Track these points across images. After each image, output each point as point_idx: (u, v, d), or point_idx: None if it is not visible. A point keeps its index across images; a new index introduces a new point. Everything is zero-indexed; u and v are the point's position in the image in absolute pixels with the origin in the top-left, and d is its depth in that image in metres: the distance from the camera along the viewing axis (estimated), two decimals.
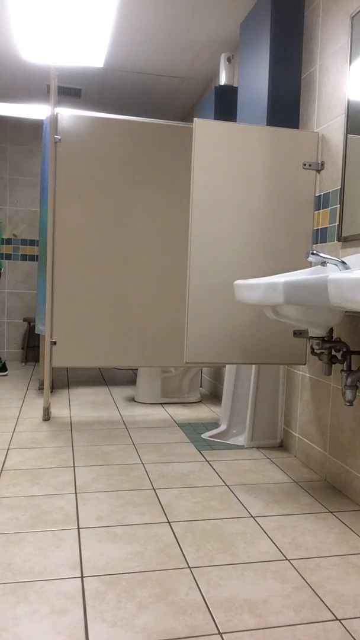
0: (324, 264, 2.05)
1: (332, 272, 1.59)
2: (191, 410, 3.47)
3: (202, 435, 2.87)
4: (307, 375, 2.48)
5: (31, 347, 5.34)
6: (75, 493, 2.05)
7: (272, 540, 1.72)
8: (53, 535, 1.71)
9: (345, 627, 1.29)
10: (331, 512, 1.95)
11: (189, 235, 2.32)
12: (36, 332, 3.54)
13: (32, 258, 5.39)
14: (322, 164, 2.40)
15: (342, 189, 2.19)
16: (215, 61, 3.78)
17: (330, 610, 1.36)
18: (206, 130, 2.30)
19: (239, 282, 1.94)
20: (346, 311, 2.06)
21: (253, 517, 1.89)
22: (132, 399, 3.75)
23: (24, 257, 5.38)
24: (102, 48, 3.57)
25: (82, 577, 1.47)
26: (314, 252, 1.95)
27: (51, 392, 3.89)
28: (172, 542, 1.68)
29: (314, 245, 2.43)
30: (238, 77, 3.09)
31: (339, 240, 2.22)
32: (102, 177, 3.01)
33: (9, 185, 5.28)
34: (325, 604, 1.38)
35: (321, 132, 2.41)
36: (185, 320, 2.35)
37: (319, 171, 2.43)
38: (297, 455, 2.57)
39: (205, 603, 1.37)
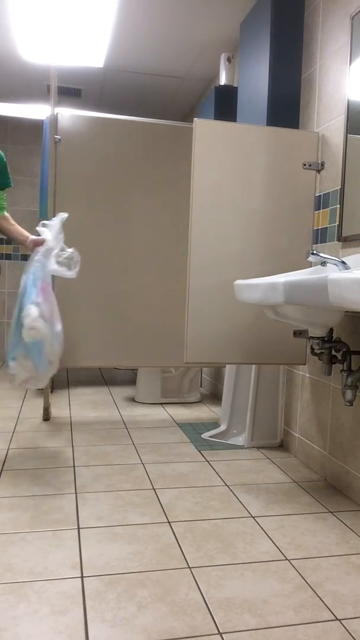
0: (324, 264, 2.05)
1: (332, 272, 1.59)
2: (191, 410, 3.47)
3: (202, 435, 2.87)
4: (307, 375, 2.48)
5: None
6: (75, 493, 2.05)
7: (272, 540, 1.72)
8: (53, 535, 1.71)
9: (345, 627, 1.29)
10: (331, 512, 1.95)
11: (189, 235, 2.32)
12: None
13: None
14: (322, 164, 2.40)
15: (342, 189, 2.19)
16: (215, 61, 3.78)
17: (330, 610, 1.36)
18: (206, 130, 2.30)
19: (239, 282, 1.94)
20: (346, 311, 2.06)
21: (253, 517, 1.89)
22: (132, 399, 3.75)
23: (24, 257, 5.37)
24: (102, 48, 3.57)
25: (82, 577, 1.48)
26: (314, 252, 1.95)
27: (51, 392, 3.89)
28: (172, 542, 1.68)
29: (314, 245, 2.43)
30: (238, 77, 3.09)
31: (339, 240, 2.22)
32: (102, 177, 3.01)
33: None
34: (325, 604, 1.38)
35: (321, 132, 2.41)
36: (185, 320, 2.35)
37: (319, 171, 2.43)
38: (297, 455, 2.57)
39: (205, 603, 1.37)
